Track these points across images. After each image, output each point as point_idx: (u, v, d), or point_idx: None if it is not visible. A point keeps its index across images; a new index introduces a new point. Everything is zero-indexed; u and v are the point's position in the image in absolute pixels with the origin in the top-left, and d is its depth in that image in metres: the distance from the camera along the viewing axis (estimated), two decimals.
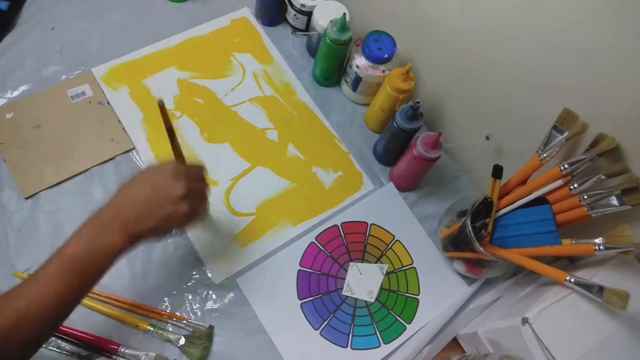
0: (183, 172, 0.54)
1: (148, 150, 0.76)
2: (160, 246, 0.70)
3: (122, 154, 0.75)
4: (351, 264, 0.74)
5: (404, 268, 0.75)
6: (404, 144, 0.76)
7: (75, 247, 0.50)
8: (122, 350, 0.63)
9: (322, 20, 0.81)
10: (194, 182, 0.56)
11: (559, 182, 0.60)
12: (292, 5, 0.86)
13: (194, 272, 0.70)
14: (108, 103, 0.79)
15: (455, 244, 0.70)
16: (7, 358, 0.47)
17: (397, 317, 0.71)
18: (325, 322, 0.69)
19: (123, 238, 0.51)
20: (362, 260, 0.74)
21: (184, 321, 0.66)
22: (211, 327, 0.66)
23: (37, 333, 0.49)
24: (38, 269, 0.49)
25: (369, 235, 0.76)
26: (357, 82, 0.81)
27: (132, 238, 0.51)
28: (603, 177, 0.57)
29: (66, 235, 0.67)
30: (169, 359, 0.64)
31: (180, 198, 0.53)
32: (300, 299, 0.70)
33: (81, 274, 0.49)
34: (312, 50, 0.88)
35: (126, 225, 0.51)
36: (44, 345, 0.62)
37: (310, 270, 0.73)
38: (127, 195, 0.53)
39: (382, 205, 0.79)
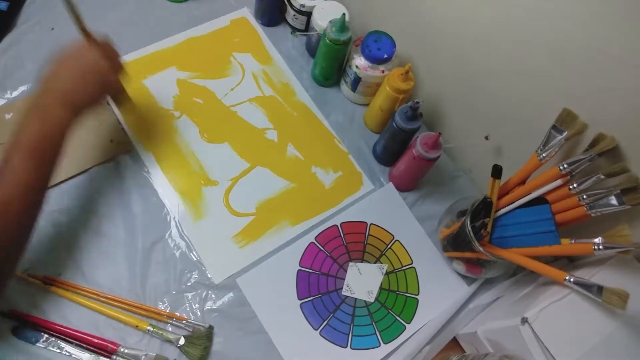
0: (90, 42, 0.61)
1: (147, 151, 0.76)
2: (160, 247, 0.71)
3: (121, 154, 0.75)
4: (351, 264, 0.74)
5: (403, 268, 0.75)
6: (403, 144, 0.76)
7: (29, 134, 0.53)
8: (122, 350, 0.63)
9: (321, 20, 0.81)
10: (103, 45, 0.62)
11: (559, 182, 0.60)
12: (291, 5, 0.86)
13: (194, 272, 0.70)
14: (107, 103, 0.79)
15: (454, 244, 0.70)
16: None
17: (397, 317, 0.71)
18: (325, 322, 0.70)
19: (67, 112, 0.56)
20: (362, 260, 0.74)
21: (184, 321, 0.66)
22: (211, 327, 0.66)
23: (17, 232, 0.52)
24: (4, 158, 0.52)
25: (369, 235, 0.76)
26: (356, 82, 0.81)
27: (75, 109, 0.57)
28: (602, 176, 0.57)
29: (65, 235, 0.68)
30: (169, 358, 0.64)
31: (99, 59, 0.60)
32: (300, 299, 0.70)
33: (41, 157, 0.54)
34: (311, 50, 0.88)
35: (65, 99, 0.56)
36: (43, 346, 0.62)
37: (310, 270, 0.73)
38: (55, 76, 0.58)
39: (381, 205, 0.79)
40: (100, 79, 0.61)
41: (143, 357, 0.63)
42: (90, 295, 0.66)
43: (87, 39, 0.61)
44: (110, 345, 0.63)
